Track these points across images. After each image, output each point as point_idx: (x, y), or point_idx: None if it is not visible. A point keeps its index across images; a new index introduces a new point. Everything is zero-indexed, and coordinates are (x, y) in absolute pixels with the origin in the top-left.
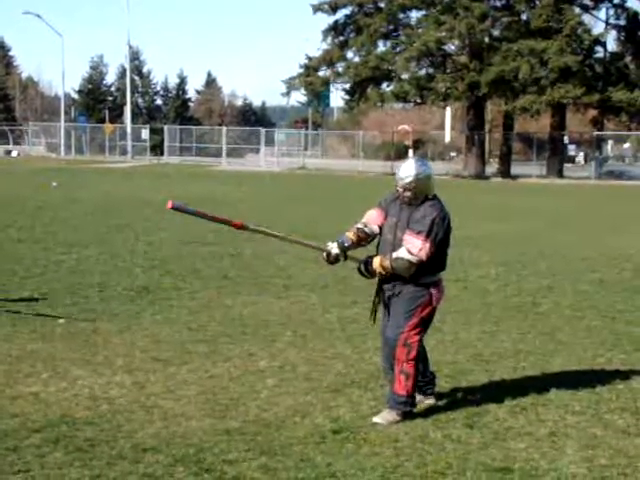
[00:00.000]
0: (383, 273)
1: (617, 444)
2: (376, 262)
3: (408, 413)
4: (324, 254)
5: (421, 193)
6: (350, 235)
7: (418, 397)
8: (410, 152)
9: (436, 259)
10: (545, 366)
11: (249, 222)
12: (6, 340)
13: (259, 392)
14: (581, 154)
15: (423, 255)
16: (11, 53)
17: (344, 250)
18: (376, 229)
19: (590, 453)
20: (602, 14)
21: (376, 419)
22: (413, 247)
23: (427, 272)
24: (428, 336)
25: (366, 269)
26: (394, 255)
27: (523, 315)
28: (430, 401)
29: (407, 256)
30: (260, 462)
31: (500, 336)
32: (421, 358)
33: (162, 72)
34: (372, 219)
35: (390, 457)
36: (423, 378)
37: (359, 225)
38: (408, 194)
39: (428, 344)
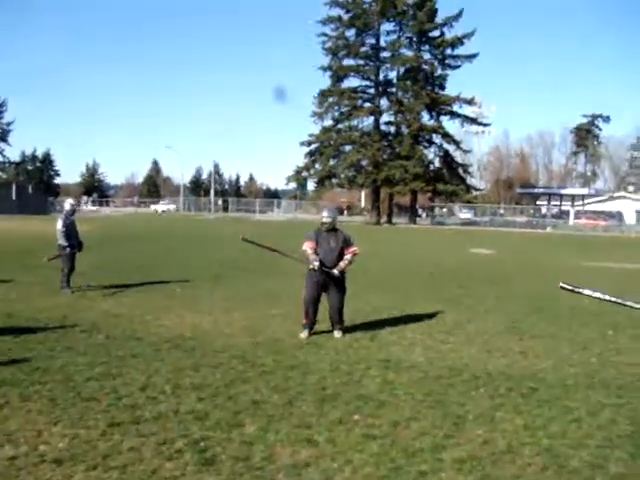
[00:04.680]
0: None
1: (438, 348)
2: (342, 266)
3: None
4: (316, 264)
5: (333, 224)
6: (315, 255)
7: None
8: (345, 211)
9: None
10: (405, 310)
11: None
12: (149, 300)
13: (272, 324)
14: (424, 213)
15: (358, 251)
16: (160, 165)
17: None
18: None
19: (427, 353)
20: (433, 149)
21: (336, 334)
22: (356, 250)
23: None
24: (356, 298)
25: (329, 271)
26: (349, 257)
27: (397, 288)
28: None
29: (356, 256)
30: (273, 357)
31: (374, 296)
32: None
33: (228, 172)
34: (312, 246)
35: (334, 355)
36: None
37: (311, 250)
38: (328, 225)
39: (354, 303)
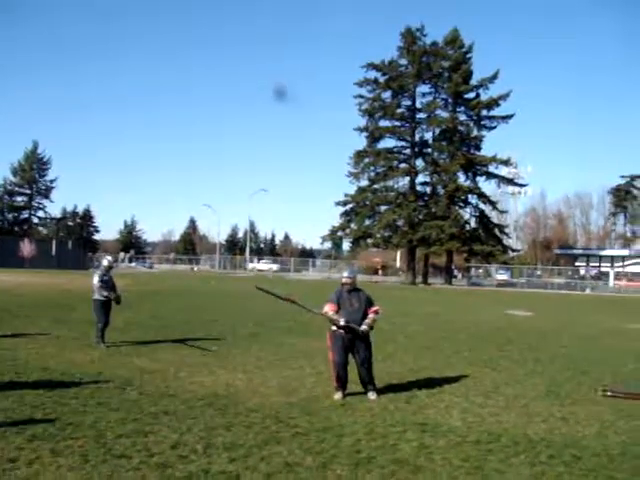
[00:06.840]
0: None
1: (476, 411)
2: (366, 328)
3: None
4: (341, 322)
5: (354, 284)
6: (337, 315)
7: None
8: (380, 271)
9: None
10: (442, 371)
11: (295, 298)
12: (184, 357)
13: (306, 384)
14: (459, 274)
15: (380, 310)
16: (197, 223)
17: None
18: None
19: (465, 417)
20: (469, 209)
21: (371, 396)
22: (378, 308)
23: None
24: (391, 359)
25: (353, 330)
26: (372, 315)
27: (433, 349)
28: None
29: (379, 314)
30: (307, 418)
31: (410, 357)
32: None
33: (263, 231)
34: (333, 308)
35: (369, 417)
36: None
37: (332, 312)
38: (349, 285)
39: (390, 364)
